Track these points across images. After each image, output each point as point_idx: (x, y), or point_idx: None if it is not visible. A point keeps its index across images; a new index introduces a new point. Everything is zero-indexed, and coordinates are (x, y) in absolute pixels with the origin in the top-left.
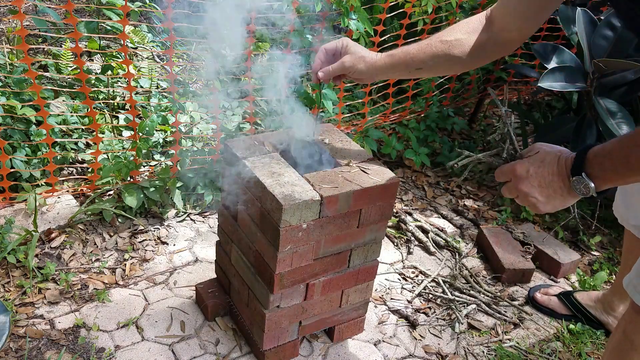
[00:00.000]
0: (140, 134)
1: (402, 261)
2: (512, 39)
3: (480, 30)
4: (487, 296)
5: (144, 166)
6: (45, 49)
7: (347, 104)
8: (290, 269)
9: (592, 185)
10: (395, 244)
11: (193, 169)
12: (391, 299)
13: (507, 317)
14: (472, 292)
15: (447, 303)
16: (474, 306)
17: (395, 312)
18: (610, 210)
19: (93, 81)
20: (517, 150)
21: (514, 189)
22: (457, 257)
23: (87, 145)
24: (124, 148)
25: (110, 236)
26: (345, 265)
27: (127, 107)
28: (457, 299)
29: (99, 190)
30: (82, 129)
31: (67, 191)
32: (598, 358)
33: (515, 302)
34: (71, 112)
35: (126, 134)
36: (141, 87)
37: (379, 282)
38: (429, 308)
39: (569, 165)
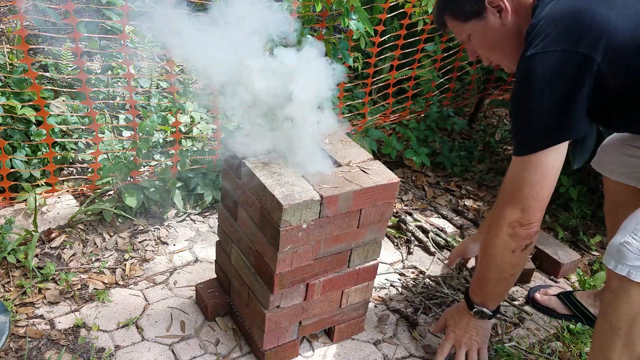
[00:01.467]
0: (140, 134)
1: (402, 261)
2: None
3: None
4: None
5: (144, 166)
6: (45, 49)
7: (347, 104)
8: (290, 269)
9: (485, 309)
10: (395, 244)
11: (193, 169)
12: (391, 299)
13: (507, 317)
14: None
15: (448, 303)
16: None
17: (395, 312)
18: None
19: (93, 81)
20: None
21: (457, 346)
22: None
23: (87, 145)
24: (124, 148)
25: (110, 236)
26: (345, 265)
27: (127, 107)
28: (457, 299)
29: (99, 190)
30: (82, 129)
31: (67, 191)
32: None
33: (515, 302)
34: (71, 112)
35: (126, 134)
36: (141, 87)
37: (379, 282)
38: (429, 308)
39: (465, 307)
